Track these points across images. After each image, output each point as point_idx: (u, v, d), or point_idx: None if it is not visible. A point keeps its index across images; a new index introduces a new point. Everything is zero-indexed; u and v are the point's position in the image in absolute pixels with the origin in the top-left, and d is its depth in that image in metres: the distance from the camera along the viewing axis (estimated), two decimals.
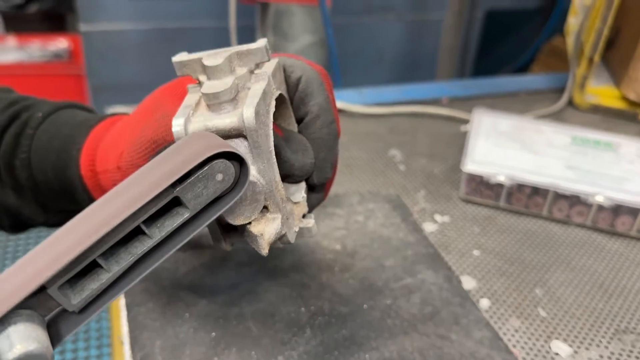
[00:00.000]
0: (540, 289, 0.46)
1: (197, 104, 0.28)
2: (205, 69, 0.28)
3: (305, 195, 0.32)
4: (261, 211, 0.28)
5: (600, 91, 0.78)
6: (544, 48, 1.69)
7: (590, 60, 0.75)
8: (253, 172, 0.27)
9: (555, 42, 1.62)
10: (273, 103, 0.28)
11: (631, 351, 0.41)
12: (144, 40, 1.49)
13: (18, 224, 0.42)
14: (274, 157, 0.27)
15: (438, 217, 0.54)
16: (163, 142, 0.30)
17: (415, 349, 0.37)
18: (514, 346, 0.41)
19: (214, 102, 0.26)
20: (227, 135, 0.26)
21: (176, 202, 0.22)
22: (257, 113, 0.26)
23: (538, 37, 1.37)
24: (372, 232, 0.48)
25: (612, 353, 0.41)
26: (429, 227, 0.53)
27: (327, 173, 0.32)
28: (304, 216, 0.32)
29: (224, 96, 0.26)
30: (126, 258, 0.22)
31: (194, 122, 0.26)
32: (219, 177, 0.23)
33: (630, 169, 0.55)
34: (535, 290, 0.46)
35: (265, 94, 0.27)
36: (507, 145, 0.58)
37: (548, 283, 0.47)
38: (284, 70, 0.32)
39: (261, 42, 0.29)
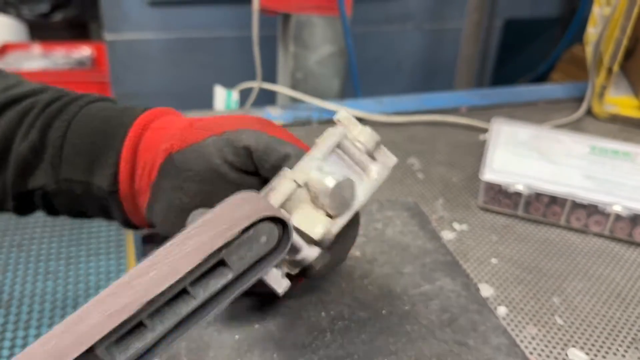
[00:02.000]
0: (557, 298, 0.47)
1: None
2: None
3: None
4: None
5: (619, 101, 0.78)
6: (564, 56, 1.69)
7: (609, 70, 0.75)
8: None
9: (575, 51, 1.62)
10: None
11: None
12: (167, 50, 1.53)
13: (21, 195, 0.42)
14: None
15: (456, 225, 0.55)
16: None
17: (433, 354, 0.38)
18: (531, 353, 0.41)
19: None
20: None
21: (221, 263, 0.23)
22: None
23: (557, 46, 1.37)
24: (391, 239, 0.49)
25: None
26: (447, 235, 0.53)
27: None
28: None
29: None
30: (170, 318, 0.22)
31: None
32: (263, 239, 0.24)
33: None
34: (552, 298, 0.47)
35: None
36: (525, 154, 0.59)
37: (565, 292, 0.48)
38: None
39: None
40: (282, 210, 0.25)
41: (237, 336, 0.38)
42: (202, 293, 0.22)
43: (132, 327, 0.21)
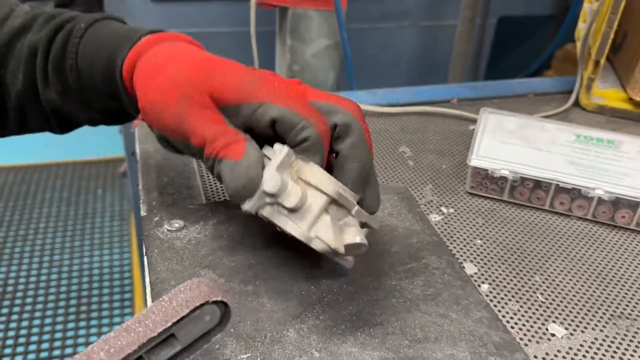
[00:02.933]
0: (539, 276, 0.49)
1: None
2: (267, 193, 0.37)
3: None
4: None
5: (607, 93, 0.80)
6: (558, 54, 1.71)
7: (597, 62, 0.77)
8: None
9: (569, 48, 1.64)
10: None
11: (625, 335, 0.43)
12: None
13: (65, 124, 0.50)
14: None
15: (444, 209, 0.57)
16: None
17: (416, 325, 0.40)
18: (512, 327, 0.43)
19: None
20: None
21: (172, 336, 0.29)
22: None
23: (550, 43, 1.39)
24: (380, 221, 0.51)
25: (607, 336, 0.43)
26: (435, 218, 0.55)
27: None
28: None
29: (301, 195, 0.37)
30: None
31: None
32: (207, 318, 0.29)
33: (631, 165, 0.58)
34: (535, 277, 0.49)
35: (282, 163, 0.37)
36: (511, 142, 0.61)
37: (548, 271, 0.49)
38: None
39: (285, 150, 0.38)
40: (222, 294, 0.31)
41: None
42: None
43: None
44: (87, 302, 1.69)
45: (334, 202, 0.37)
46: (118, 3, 1.50)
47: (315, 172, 0.37)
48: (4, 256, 1.86)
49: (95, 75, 0.44)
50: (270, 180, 0.36)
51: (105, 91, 0.45)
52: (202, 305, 0.29)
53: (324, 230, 0.37)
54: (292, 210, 0.37)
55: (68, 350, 1.52)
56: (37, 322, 1.61)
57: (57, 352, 1.51)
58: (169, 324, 0.28)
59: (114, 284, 1.76)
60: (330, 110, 0.39)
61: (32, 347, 1.52)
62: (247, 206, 0.37)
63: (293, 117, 0.38)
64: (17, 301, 1.68)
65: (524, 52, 1.80)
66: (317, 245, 0.37)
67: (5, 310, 1.63)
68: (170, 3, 1.48)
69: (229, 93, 0.38)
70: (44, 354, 1.51)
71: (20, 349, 1.50)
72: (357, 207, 0.39)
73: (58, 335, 1.57)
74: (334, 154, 0.41)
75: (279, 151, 0.38)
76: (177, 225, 0.48)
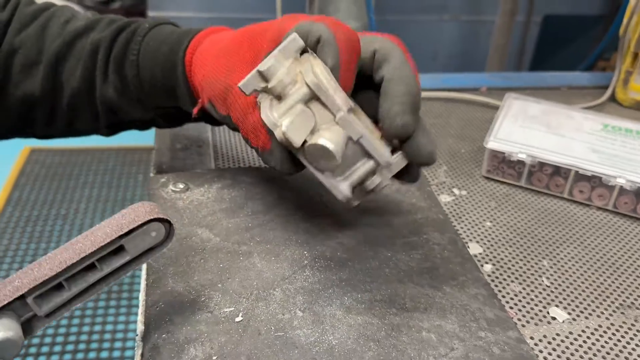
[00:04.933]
0: (548, 261, 0.47)
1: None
2: (262, 75, 0.35)
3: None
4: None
5: None
6: (612, 64, 1.64)
7: (635, 55, 0.74)
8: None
9: None
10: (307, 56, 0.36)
11: (633, 325, 0.41)
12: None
13: (114, 124, 0.51)
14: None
15: (456, 191, 0.55)
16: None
17: (407, 295, 0.39)
18: (511, 308, 0.42)
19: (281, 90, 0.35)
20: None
21: (121, 248, 0.32)
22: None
23: (599, 43, 1.34)
24: (385, 195, 0.50)
25: (612, 324, 0.41)
26: (445, 199, 0.54)
27: (399, 121, 0.35)
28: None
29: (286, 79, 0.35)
30: (82, 283, 0.31)
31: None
32: (153, 234, 0.32)
33: None
34: (543, 261, 0.47)
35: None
36: (533, 127, 0.59)
37: (558, 257, 0.47)
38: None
39: (292, 35, 0.36)
40: (166, 214, 0.33)
41: (221, 265, 0.40)
42: (106, 268, 0.32)
43: (55, 287, 0.30)
44: (119, 283, 1.73)
45: (317, 99, 0.35)
46: None
47: (313, 65, 0.35)
48: (44, 233, 1.92)
49: (155, 69, 0.46)
50: (265, 60, 0.35)
51: (163, 86, 0.47)
52: (149, 221, 0.32)
53: (288, 118, 0.34)
54: (277, 98, 0.35)
55: (97, 328, 1.56)
56: None
57: (86, 328, 1.56)
58: (117, 235, 0.31)
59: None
60: (368, 40, 0.38)
61: (62, 331, 1.56)
62: (241, 83, 0.36)
63: (313, 25, 0.37)
64: None
65: (571, 52, 1.74)
66: (277, 134, 0.35)
67: None
68: None
69: (268, 47, 0.39)
70: (73, 329, 1.55)
71: (50, 331, 1.54)
72: (343, 114, 0.35)
73: (89, 312, 1.62)
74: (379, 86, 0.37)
75: (285, 37, 0.36)
76: (181, 186, 0.49)
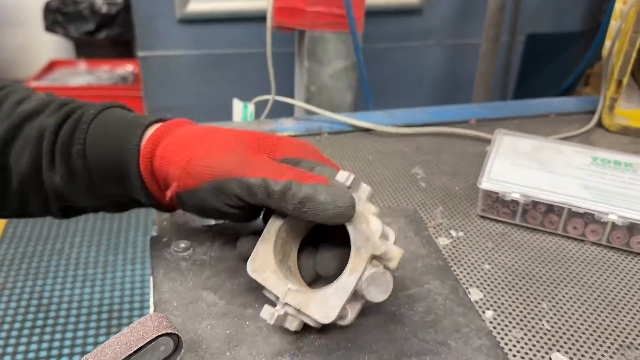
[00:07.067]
0: (547, 303, 0.48)
1: None
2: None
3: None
4: None
5: (631, 113, 0.78)
6: (596, 70, 1.66)
7: (619, 82, 0.76)
8: None
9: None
10: None
11: None
12: (196, 65, 1.60)
13: (65, 209, 0.50)
14: None
15: (453, 232, 0.56)
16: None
17: (413, 352, 0.40)
18: (514, 356, 0.42)
19: None
20: None
21: None
22: None
23: (582, 60, 1.36)
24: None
25: None
26: (443, 241, 0.55)
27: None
28: None
29: None
30: None
31: None
32: (162, 348, 0.34)
33: None
34: (542, 304, 0.48)
35: None
36: (525, 164, 0.60)
37: (556, 297, 0.48)
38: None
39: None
40: (174, 327, 0.35)
41: (228, 331, 0.41)
42: None
43: None
44: (118, 317, 1.72)
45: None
46: (147, 25, 1.55)
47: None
48: (40, 270, 1.91)
49: (103, 160, 0.46)
50: (377, 223, 0.38)
51: (113, 176, 0.46)
52: (157, 337, 0.33)
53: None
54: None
55: None
56: (69, 334, 1.65)
57: None
58: (128, 354, 0.32)
59: (145, 298, 1.79)
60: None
61: None
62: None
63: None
64: (52, 313, 1.73)
65: (555, 69, 1.77)
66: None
67: (40, 323, 1.67)
68: (197, 25, 1.53)
69: (280, 154, 0.43)
70: None
71: None
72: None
73: (89, 348, 1.61)
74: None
75: (365, 189, 0.41)
76: (183, 245, 0.49)
